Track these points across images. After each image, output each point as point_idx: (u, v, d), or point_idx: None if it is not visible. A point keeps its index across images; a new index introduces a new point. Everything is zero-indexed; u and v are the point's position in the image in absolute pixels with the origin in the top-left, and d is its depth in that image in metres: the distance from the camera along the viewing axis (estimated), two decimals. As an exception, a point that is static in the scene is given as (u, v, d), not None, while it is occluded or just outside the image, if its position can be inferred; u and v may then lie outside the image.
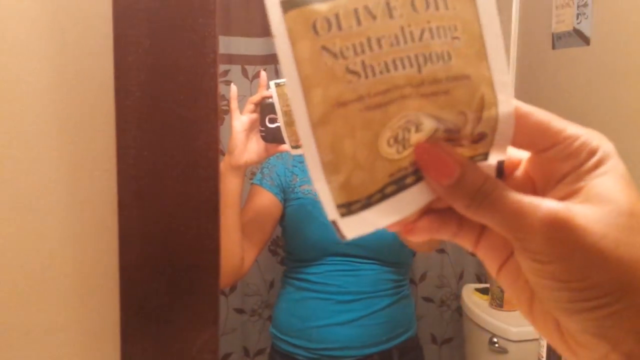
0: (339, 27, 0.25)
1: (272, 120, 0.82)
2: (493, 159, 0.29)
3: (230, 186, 0.96)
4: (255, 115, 0.91)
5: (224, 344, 1.71)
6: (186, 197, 0.51)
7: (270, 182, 1.16)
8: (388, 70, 0.26)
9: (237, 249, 1.02)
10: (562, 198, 0.27)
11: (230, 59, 1.63)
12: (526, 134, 0.29)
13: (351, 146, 0.27)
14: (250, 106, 0.92)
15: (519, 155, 0.31)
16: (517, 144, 0.29)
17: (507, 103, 0.28)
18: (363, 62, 0.26)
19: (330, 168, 0.27)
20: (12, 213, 0.54)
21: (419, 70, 0.26)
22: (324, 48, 0.25)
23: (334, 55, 0.25)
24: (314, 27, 0.25)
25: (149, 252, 0.51)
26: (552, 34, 1.59)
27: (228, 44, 1.62)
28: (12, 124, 0.52)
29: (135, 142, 0.50)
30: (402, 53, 0.26)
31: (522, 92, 1.77)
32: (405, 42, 0.26)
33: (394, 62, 0.26)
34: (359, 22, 0.25)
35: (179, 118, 0.50)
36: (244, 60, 1.66)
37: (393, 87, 0.26)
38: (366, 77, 0.26)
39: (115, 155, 0.49)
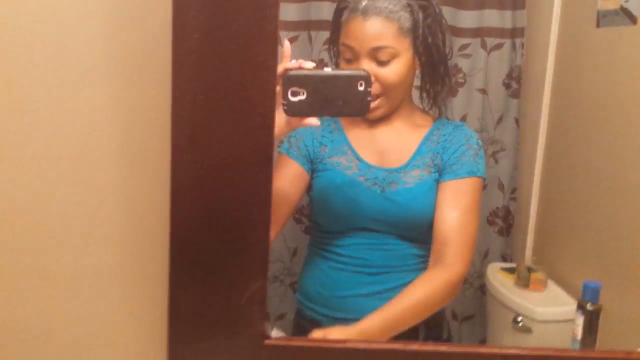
0: None
1: (295, 94, 0.80)
2: None
3: None
4: (277, 88, 0.88)
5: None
6: (240, 144, 0.50)
7: (297, 152, 1.14)
8: None
9: None
10: None
11: (265, 24, 1.60)
12: None
13: None
14: None
15: None
16: None
17: None
18: None
19: None
20: (64, 159, 0.54)
21: None
22: None
23: None
24: None
25: (200, 199, 0.50)
26: (597, 12, 1.54)
27: (263, 9, 1.59)
28: (65, 66, 0.52)
29: (192, 86, 0.48)
30: None
31: (564, 71, 1.72)
32: None
33: None
34: None
35: (237, 62, 0.48)
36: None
37: None
38: None
39: (171, 98, 0.48)
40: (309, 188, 1.17)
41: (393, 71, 1.08)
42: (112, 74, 0.52)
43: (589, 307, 1.24)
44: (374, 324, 0.99)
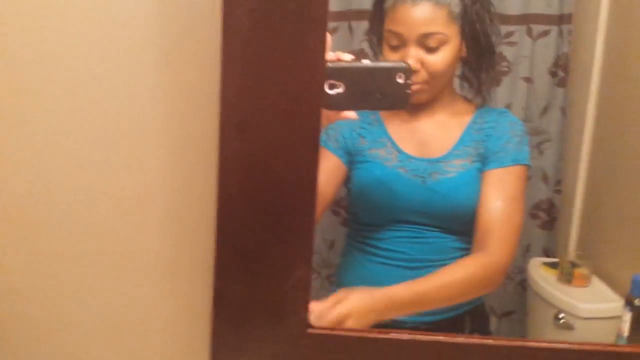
0: None
1: (332, 86, 0.78)
2: None
3: None
4: None
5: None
6: (287, 131, 0.50)
7: (334, 144, 1.13)
8: None
9: None
10: None
11: (305, 12, 1.59)
12: None
13: None
14: None
15: None
16: None
17: None
18: None
19: None
20: (110, 144, 0.54)
21: None
22: None
23: None
24: None
25: (247, 185, 0.50)
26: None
27: (303, -2, 1.58)
28: (112, 49, 0.52)
29: (240, 72, 0.48)
30: None
31: (613, 59, 1.66)
32: None
33: None
34: None
35: (285, 48, 0.48)
36: (317, 15, 1.62)
37: None
38: None
39: (220, 83, 0.48)
40: (348, 180, 1.16)
41: (441, 58, 1.05)
42: (159, 57, 0.52)
43: (637, 302, 1.19)
44: (402, 293, 0.96)
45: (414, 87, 1.05)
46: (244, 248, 0.53)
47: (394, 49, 1.05)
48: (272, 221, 0.53)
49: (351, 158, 1.14)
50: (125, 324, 0.60)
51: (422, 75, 1.05)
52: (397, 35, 1.03)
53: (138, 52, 0.53)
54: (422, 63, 1.04)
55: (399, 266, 1.12)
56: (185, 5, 0.52)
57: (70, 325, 0.60)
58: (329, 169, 1.12)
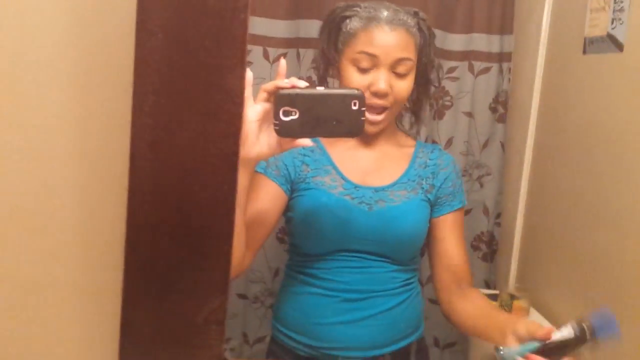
0: None
1: (287, 113, 0.76)
2: None
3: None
4: (269, 105, 0.81)
5: (223, 330, 1.68)
6: (203, 153, 0.47)
7: (275, 172, 1.09)
8: None
9: (239, 247, 0.96)
10: None
11: (253, 39, 1.60)
12: None
13: None
14: (263, 94, 0.81)
15: None
16: None
17: None
18: None
19: None
20: (16, 161, 0.51)
21: None
22: None
23: None
24: None
25: (159, 208, 0.47)
26: (584, 39, 1.54)
27: (251, 24, 1.59)
28: (21, 63, 0.49)
29: (154, 88, 0.46)
30: None
31: (550, 96, 1.72)
32: None
33: None
34: None
35: (202, 65, 0.46)
36: (266, 41, 1.62)
37: None
38: None
39: (132, 102, 0.46)
40: (288, 209, 1.12)
41: (407, 85, 1.06)
42: (71, 72, 0.50)
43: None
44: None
45: (380, 117, 1.05)
46: (155, 275, 0.50)
47: (364, 71, 1.03)
48: (186, 247, 0.50)
49: (293, 186, 1.11)
50: (25, 357, 0.55)
51: (390, 99, 1.04)
52: (372, 57, 1.01)
53: (48, 66, 0.50)
54: (392, 87, 1.03)
55: (340, 298, 1.09)
56: (99, 15, 0.49)
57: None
58: (270, 197, 1.08)
